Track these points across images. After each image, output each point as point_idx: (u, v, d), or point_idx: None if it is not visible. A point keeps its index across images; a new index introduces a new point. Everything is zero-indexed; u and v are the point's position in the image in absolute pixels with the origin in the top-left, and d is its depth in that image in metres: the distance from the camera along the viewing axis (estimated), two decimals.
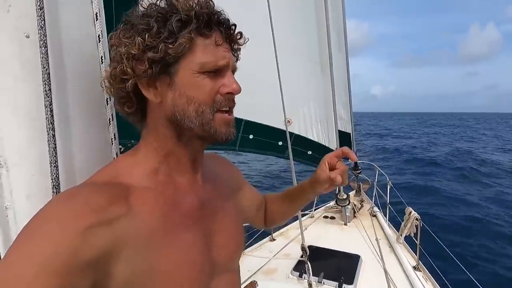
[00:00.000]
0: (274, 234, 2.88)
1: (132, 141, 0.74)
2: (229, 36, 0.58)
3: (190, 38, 0.52)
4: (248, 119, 2.46)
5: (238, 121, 2.43)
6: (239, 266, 0.75)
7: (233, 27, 0.59)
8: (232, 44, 0.60)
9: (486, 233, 6.34)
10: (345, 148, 0.77)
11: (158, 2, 0.54)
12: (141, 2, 0.55)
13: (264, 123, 2.55)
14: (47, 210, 0.47)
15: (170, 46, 0.51)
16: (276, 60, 1.87)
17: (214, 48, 0.55)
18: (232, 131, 0.59)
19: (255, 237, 2.75)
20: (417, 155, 16.42)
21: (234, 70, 0.60)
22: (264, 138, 2.59)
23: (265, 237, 2.85)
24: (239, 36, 0.60)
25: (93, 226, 0.46)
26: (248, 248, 2.67)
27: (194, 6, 0.52)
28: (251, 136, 2.52)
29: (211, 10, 0.54)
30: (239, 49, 0.62)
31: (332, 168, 0.78)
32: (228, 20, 0.58)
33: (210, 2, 0.55)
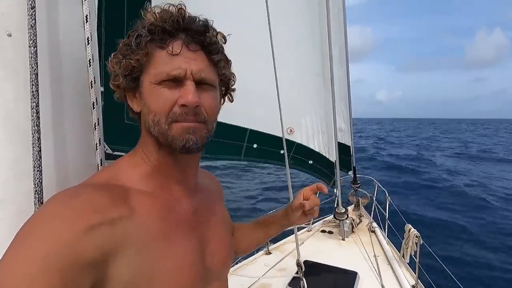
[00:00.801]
0: (270, 248, 2.82)
1: None
2: (196, 42, 0.56)
3: (145, 51, 0.54)
4: (252, 129, 2.46)
5: (243, 130, 2.43)
6: (227, 276, 0.75)
7: (206, 33, 0.57)
8: (207, 50, 0.57)
9: None
10: (319, 184, 0.85)
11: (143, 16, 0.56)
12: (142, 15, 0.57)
13: (268, 132, 2.55)
14: (49, 209, 0.46)
15: (130, 61, 0.54)
16: (275, 71, 1.87)
17: (168, 58, 0.54)
18: (192, 138, 0.55)
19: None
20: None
21: (205, 81, 0.57)
22: (267, 147, 2.59)
23: (260, 250, 2.79)
24: (214, 39, 0.58)
25: (96, 226, 0.45)
26: (243, 261, 2.61)
27: (155, 18, 0.54)
28: (255, 145, 2.52)
29: (172, 20, 0.54)
30: (219, 52, 0.59)
31: (306, 199, 0.84)
32: (197, 27, 0.56)
33: (181, 10, 0.55)
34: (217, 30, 0.60)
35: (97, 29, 0.66)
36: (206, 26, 0.57)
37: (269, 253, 2.78)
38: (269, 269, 2.48)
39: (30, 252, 0.41)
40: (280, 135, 2.65)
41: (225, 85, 0.66)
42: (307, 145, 2.90)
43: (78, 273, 0.43)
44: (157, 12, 0.55)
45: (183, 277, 0.56)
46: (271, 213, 0.93)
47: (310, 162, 2.96)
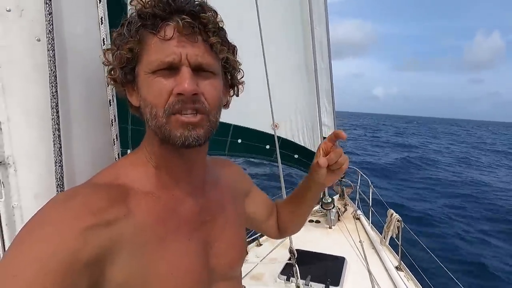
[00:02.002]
0: (260, 239, 2.90)
1: None
2: (190, 25, 0.49)
3: (136, 38, 0.50)
4: (236, 124, 2.50)
5: (227, 126, 2.47)
6: (240, 273, 0.73)
7: (200, 13, 0.51)
8: (204, 33, 0.51)
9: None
10: (337, 131, 0.71)
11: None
12: (130, 9, 0.53)
13: (252, 128, 2.60)
14: (46, 211, 0.46)
15: (124, 50, 0.50)
16: (265, 68, 1.93)
17: (161, 44, 0.49)
18: (192, 135, 0.51)
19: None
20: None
21: (203, 67, 0.52)
22: (252, 142, 2.64)
23: (252, 243, 2.87)
24: (210, 19, 0.51)
25: (92, 227, 0.45)
26: None
27: (144, 3, 0.50)
28: (239, 140, 2.57)
29: (161, 3, 0.49)
30: (218, 33, 0.53)
31: (327, 154, 0.72)
32: (191, 7, 0.50)
33: None
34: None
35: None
36: (201, 6, 0.52)
37: (260, 244, 2.87)
38: (261, 259, 2.56)
39: (27, 254, 0.41)
40: (264, 130, 2.73)
41: (229, 73, 0.60)
42: (292, 140, 2.98)
43: (75, 274, 0.43)
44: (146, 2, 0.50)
45: (180, 280, 0.54)
46: (300, 183, 0.84)
47: (296, 156, 3.04)
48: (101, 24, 0.67)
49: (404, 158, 18.14)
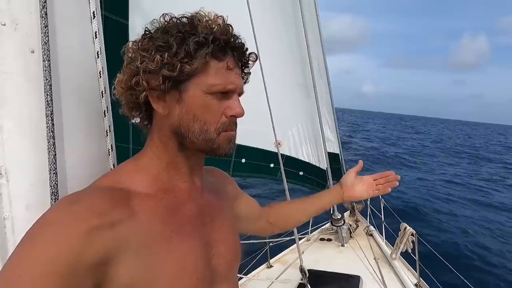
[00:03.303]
0: (271, 261, 2.80)
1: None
2: (242, 61, 0.62)
3: (205, 61, 0.54)
4: (240, 143, 2.50)
5: None
6: (237, 276, 0.75)
7: (247, 53, 0.62)
8: (243, 69, 0.64)
9: None
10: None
11: (180, 17, 0.57)
12: (163, 15, 0.57)
13: (255, 147, 2.59)
14: (51, 213, 0.48)
15: (186, 66, 0.53)
16: (265, 87, 1.96)
17: (225, 72, 0.57)
18: (232, 147, 0.62)
19: (251, 264, 2.67)
20: None
21: (241, 93, 0.63)
22: (256, 161, 2.61)
23: (261, 264, 2.76)
24: (251, 62, 0.64)
25: (95, 229, 0.47)
26: (245, 277, 2.57)
27: (214, 29, 0.55)
28: (243, 160, 2.54)
29: (229, 35, 0.57)
30: (249, 73, 0.66)
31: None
32: (243, 46, 0.61)
33: (230, 27, 0.58)
34: None
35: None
36: (244, 46, 0.62)
37: (270, 266, 2.76)
38: (273, 282, 2.45)
39: (33, 256, 0.43)
40: (267, 148, 2.71)
41: None
42: (296, 157, 2.95)
43: (79, 276, 0.44)
44: (211, 22, 0.56)
45: (185, 280, 0.56)
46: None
47: (301, 173, 2.99)
48: (95, 37, 0.68)
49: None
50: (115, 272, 0.49)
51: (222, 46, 0.56)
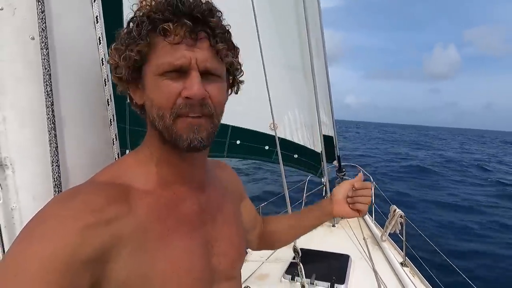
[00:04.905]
0: None
1: None
2: (200, 29, 0.51)
3: (146, 41, 0.50)
4: (234, 125, 2.49)
5: (225, 127, 2.45)
6: (240, 274, 0.73)
7: (209, 18, 0.52)
8: (211, 37, 0.52)
9: None
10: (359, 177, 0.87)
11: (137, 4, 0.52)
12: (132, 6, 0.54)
13: (250, 128, 2.59)
14: (47, 210, 0.47)
15: (133, 52, 0.50)
16: (264, 69, 1.93)
17: (171, 47, 0.50)
18: (197, 137, 0.52)
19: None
20: None
21: (211, 71, 0.53)
22: (251, 143, 2.62)
23: None
24: (213, 26, 0.52)
25: (91, 226, 0.46)
26: None
27: (156, 3, 0.50)
28: (238, 142, 2.54)
29: (173, 5, 0.50)
30: (225, 39, 0.54)
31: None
32: (200, 12, 0.51)
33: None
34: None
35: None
36: (210, 10, 0.52)
37: None
38: (266, 259, 2.54)
39: (29, 253, 0.42)
40: (262, 130, 2.71)
41: (231, 75, 0.62)
42: (292, 140, 2.96)
43: (75, 272, 0.43)
44: (156, 4, 0.50)
45: (181, 279, 0.54)
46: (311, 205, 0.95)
47: (296, 156, 3.01)
48: (97, 22, 0.66)
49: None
50: (112, 269, 0.48)
51: (161, 20, 0.49)
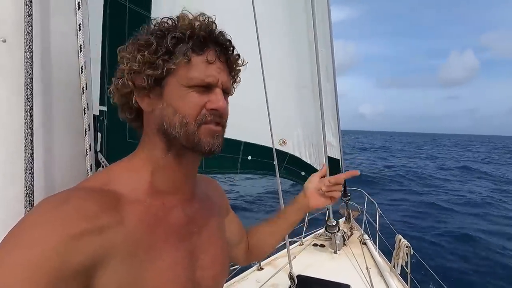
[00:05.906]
0: (262, 263, 2.77)
1: None
2: (224, 56, 0.60)
3: (185, 56, 0.54)
4: (246, 141, 2.48)
5: (238, 143, 2.44)
6: None
7: (231, 48, 0.61)
8: (229, 65, 0.61)
9: None
10: (352, 172, 0.91)
11: (166, 20, 0.58)
12: (152, 20, 0.60)
13: (261, 144, 2.57)
14: (37, 215, 0.45)
15: (167, 62, 0.54)
16: (264, 86, 1.92)
17: (204, 65, 0.56)
18: (216, 143, 0.59)
19: (242, 266, 2.64)
20: None
21: (227, 91, 0.61)
22: (261, 158, 2.60)
23: (252, 266, 2.74)
24: (236, 57, 0.62)
25: (84, 233, 0.45)
26: (235, 278, 2.55)
27: (193, 25, 0.56)
28: (249, 157, 2.52)
29: (209, 30, 0.57)
30: (238, 71, 0.64)
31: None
32: (226, 42, 0.60)
33: (212, 23, 0.58)
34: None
35: (101, 47, 0.68)
36: (230, 42, 0.61)
37: (261, 268, 2.73)
38: (261, 285, 2.43)
39: (16, 259, 0.40)
40: (271, 146, 2.69)
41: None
42: (300, 157, 2.92)
43: (65, 281, 0.42)
44: (191, 19, 0.57)
45: None
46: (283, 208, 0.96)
47: (303, 173, 2.96)
48: (79, 30, 0.65)
49: None
50: (100, 279, 0.47)
51: (201, 40, 0.56)
